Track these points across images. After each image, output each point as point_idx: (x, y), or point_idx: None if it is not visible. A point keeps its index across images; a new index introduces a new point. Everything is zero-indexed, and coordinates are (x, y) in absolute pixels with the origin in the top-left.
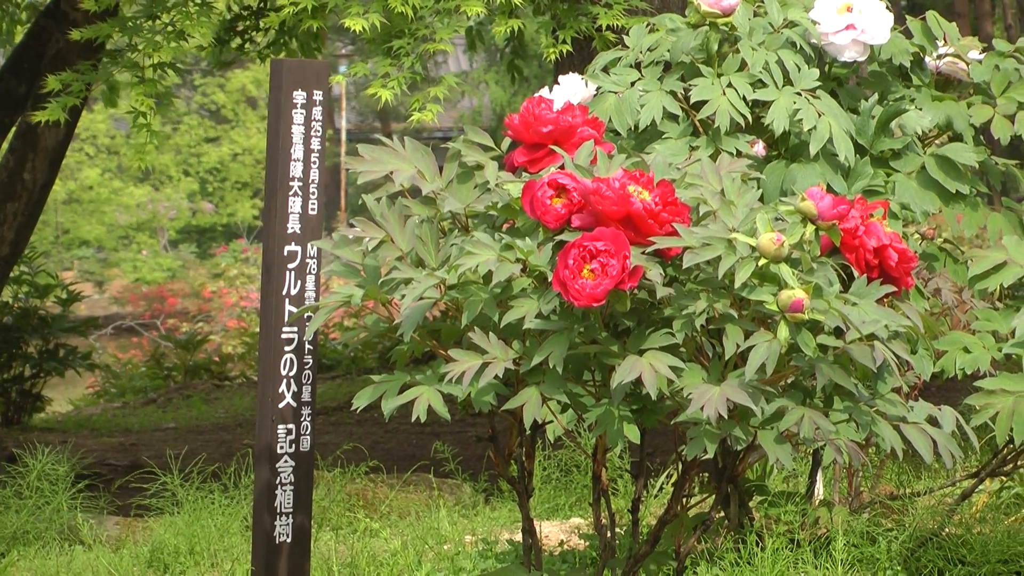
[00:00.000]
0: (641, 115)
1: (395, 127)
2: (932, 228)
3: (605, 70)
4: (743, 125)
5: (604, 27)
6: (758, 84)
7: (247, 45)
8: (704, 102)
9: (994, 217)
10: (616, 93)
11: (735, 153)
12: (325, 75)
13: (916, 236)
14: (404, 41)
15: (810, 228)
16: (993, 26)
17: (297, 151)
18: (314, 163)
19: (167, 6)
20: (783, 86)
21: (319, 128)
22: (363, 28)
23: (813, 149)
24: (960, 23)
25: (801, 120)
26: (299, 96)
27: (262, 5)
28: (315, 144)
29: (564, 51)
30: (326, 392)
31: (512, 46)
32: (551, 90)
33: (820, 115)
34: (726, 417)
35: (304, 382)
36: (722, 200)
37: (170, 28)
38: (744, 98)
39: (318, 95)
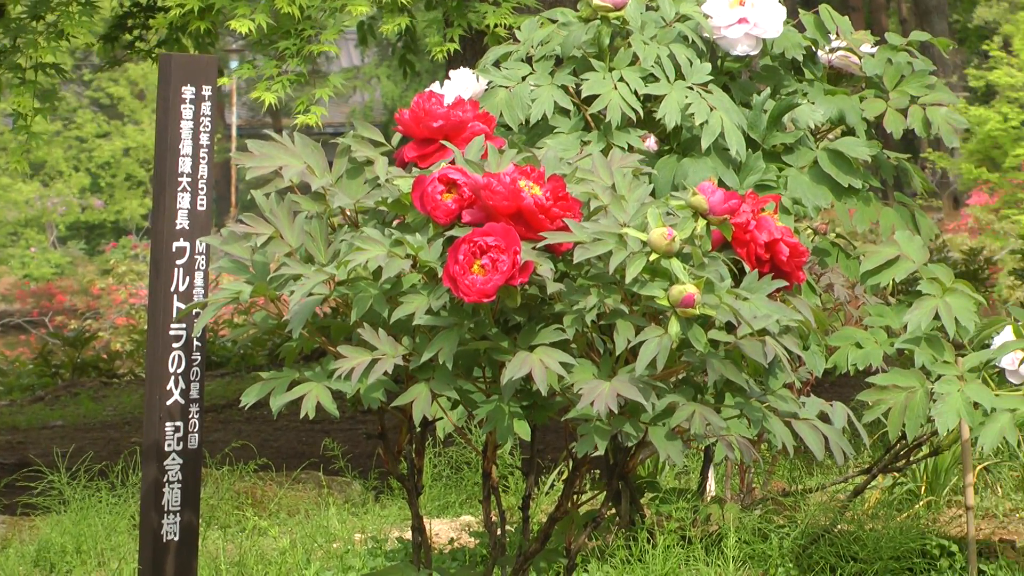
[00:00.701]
0: (532, 110)
1: (286, 123)
2: (824, 223)
3: (496, 65)
4: (635, 120)
5: (492, 25)
6: (650, 78)
7: (138, 43)
8: (595, 96)
9: (886, 212)
10: (507, 88)
11: (627, 148)
12: (214, 70)
13: (808, 231)
14: (290, 42)
15: (701, 223)
16: (888, 20)
17: (186, 147)
18: (203, 159)
19: (51, 6)
20: (675, 80)
21: (208, 123)
22: (249, 30)
23: (705, 144)
24: (855, 17)
25: (693, 115)
26: (188, 91)
27: (152, 2)
28: (204, 140)
29: (452, 49)
30: (215, 390)
31: (404, 41)
32: (442, 85)
33: (712, 109)
34: (616, 413)
35: (192, 379)
36: (613, 195)
37: (51, 29)
38: (636, 92)
39: (207, 90)
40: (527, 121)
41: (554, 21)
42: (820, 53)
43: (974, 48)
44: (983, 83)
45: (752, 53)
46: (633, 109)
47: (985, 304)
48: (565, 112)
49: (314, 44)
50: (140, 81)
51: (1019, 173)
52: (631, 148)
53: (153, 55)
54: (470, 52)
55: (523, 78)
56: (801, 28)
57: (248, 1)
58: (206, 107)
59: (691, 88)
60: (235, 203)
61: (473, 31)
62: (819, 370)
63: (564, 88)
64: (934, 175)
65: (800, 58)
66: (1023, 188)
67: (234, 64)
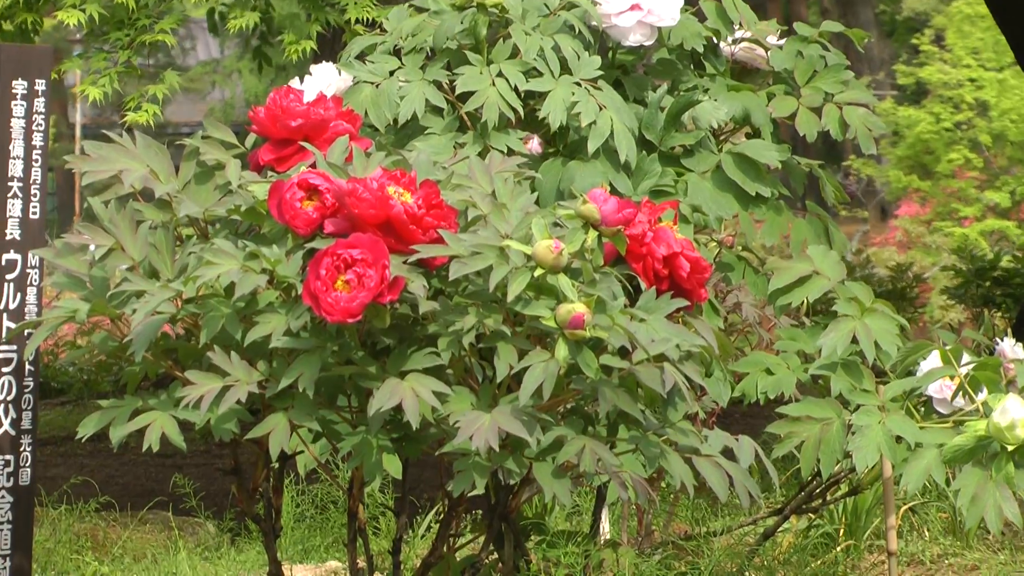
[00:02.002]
0: (401, 108)
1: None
2: (731, 235)
3: (361, 58)
4: (515, 119)
5: (352, 20)
6: (532, 73)
7: None
8: (471, 93)
9: (798, 224)
10: (373, 84)
11: (507, 151)
12: (48, 62)
13: (712, 244)
14: (122, 33)
15: (592, 234)
16: (808, 10)
17: (17, 148)
18: (36, 161)
19: None
20: (560, 75)
21: (42, 121)
22: (80, 21)
23: (592, 147)
24: (771, 6)
25: (580, 114)
26: (19, 86)
27: None
28: (37, 140)
29: (308, 49)
30: (54, 419)
31: (259, 33)
32: (303, 80)
33: (601, 108)
34: (497, 449)
35: (24, 407)
36: (493, 203)
37: None
38: (516, 89)
39: (41, 84)
40: (396, 121)
41: (425, 10)
42: (723, 45)
43: (903, 42)
44: (913, 80)
45: (647, 44)
46: (513, 108)
47: (908, 327)
48: (438, 111)
49: (148, 34)
50: None
51: (953, 181)
52: (511, 151)
53: None
54: (328, 52)
55: (391, 73)
56: (701, 17)
57: None
58: (39, 103)
59: (578, 84)
60: (79, 212)
61: (332, 28)
62: (724, 399)
63: (437, 84)
64: (859, 183)
65: (700, 50)
66: (957, 197)
67: (76, 53)
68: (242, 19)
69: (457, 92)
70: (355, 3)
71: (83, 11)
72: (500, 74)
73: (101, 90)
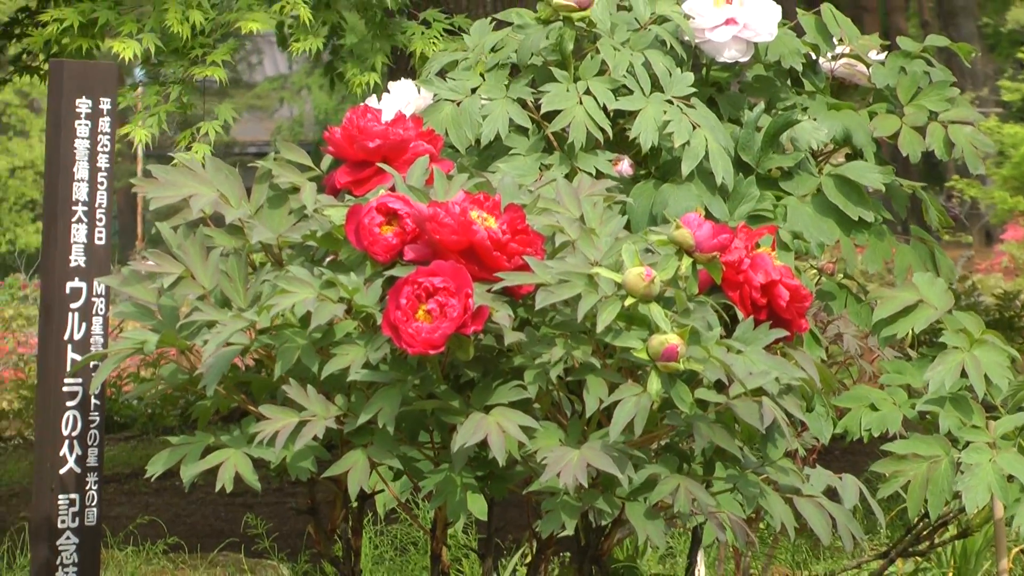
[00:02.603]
0: (484, 127)
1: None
2: (831, 261)
3: (442, 75)
4: (604, 139)
5: (418, 52)
6: (622, 91)
7: (24, 56)
8: (557, 112)
9: (902, 250)
10: (454, 102)
11: (594, 173)
12: (113, 80)
13: (811, 271)
14: (177, 64)
15: (686, 261)
16: (907, 23)
17: (81, 170)
18: (101, 184)
19: None
20: (651, 93)
21: (107, 142)
22: (135, 54)
23: (686, 168)
24: (868, 19)
25: (672, 134)
26: (83, 104)
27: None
28: (102, 161)
29: (373, 81)
30: (118, 456)
31: (331, 48)
32: (380, 99)
33: (695, 127)
34: (587, 486)
35: (90, 444)
36: (582, 228)
37: None
38: (604, 107)
39: (105, 103)
40: (478, 141)
41: (508, 24)
42: (821, 61)
43: (1007, 56)
44: (1019, 97)
45: (742, 60)
46: (601, 127)
47: (1020, 359)
48: (523, 130)
49: (199, 67)
50: (29, 90)
51: None
52: (600, 173)
53: (40, 72)
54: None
55: (473, 90)
56: (800, 31)
57: (136, 18)
58: (104, 123)
59: (671, 102)
60: (141, 236)
61: (397, 54)
62: (826, 436)
63: (521, 102)
64: (962, 205)
65: (799, 67)
66: None
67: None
68: (305, 43)
69: (543, 111)
70: (422, 34)
71: (139, 41)
72: (588, 92)
73: (148, 130)
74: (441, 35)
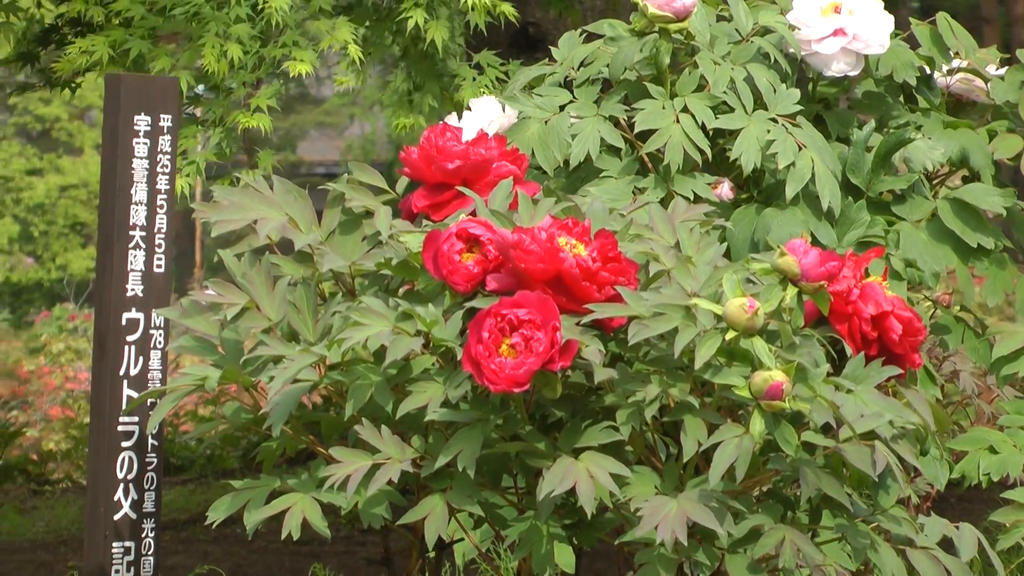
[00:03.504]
0: (573, 147)
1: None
2: (947, 292)
3: (528, 90)
4: (702, 161)
5: (466, 103)
6: (722, 108)
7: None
8: (652, 131)
9: None
10: (541, 120)
11: (692, 197)
12: (174, 95)
13: (926, 303)
14: (216, 102)
15: (791, 291)
16: None
17: (140, 192)
18: (161, 207)
19: None
20: (754, 111)
21: (168, 163)
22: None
23: (790, 192)
24: (987, 31)
25: (776, 154)
26: (142, 122)
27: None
28: (162, 183)
29: (416, 124)
30: (175, 500)
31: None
32: (460, 116)
33: (801, 148)
34: (685, 541)
35: (147, 487)
36: (678, 256)
37: None
38: (703, 126)
39: (166, 120)
40: (566, 162)
41: (599, 36)
42: (936, 75)
43: None
44: None
45: (851, 74)
46: (699, 148)
47: None
48: (615, 151)
49: (241, 113)
50: (77, 99)
51: None
52: (698, 197)
53: (72, 85)
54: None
55: (561, 107)
56: (913, 43)
57: (171, 53)
58: (165, 142)
59: (774, 121)
60: (200, 263)
61: (440, 103)
62: (941, 482)
63: (613, 120)
64: None
65: (913, 81)
66: None
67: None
68: (347, 80)
69: (636, 129)
70: (473, 79)
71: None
72: (685, 109)
73: (186, 180)
74: (494, 83)
